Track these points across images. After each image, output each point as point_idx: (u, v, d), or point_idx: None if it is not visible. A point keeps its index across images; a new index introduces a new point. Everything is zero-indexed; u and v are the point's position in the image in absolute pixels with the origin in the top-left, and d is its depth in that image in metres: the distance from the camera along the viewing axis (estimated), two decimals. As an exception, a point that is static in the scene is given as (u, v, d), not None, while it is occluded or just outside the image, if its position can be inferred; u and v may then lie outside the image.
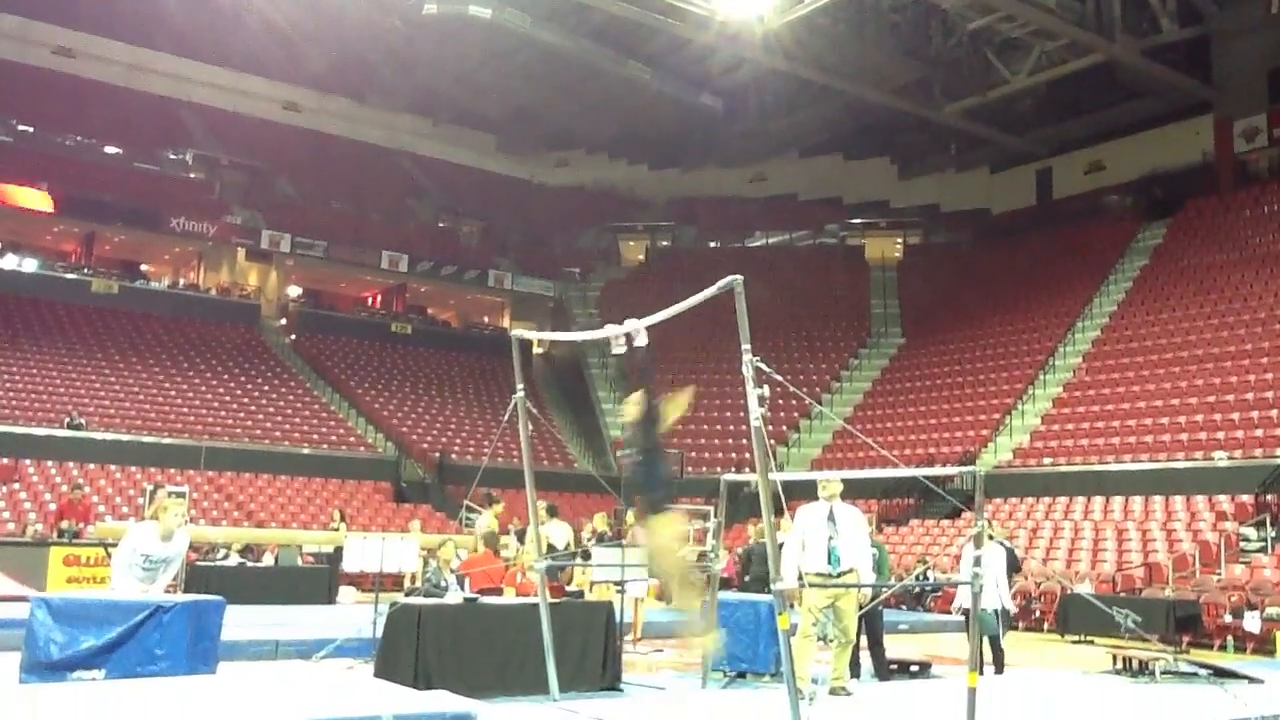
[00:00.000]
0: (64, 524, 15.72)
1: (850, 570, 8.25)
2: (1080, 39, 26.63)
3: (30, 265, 31.61)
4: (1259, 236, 27.20)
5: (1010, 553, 10.87)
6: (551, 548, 11.90)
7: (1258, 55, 28.90)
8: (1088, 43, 26.75)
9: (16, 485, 21.50)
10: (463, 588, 9.65)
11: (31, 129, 33.57)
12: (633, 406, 6.49)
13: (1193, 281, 26.97)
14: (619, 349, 6.33)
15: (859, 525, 8.55)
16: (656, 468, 6.31)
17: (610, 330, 6.21)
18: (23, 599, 7.76)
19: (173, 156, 36.45)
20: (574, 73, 33.48)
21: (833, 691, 8.22)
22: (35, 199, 31.02)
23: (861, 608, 8.60)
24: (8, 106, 33.08)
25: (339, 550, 15.60)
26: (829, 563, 8.20)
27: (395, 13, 30.55)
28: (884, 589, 9.73)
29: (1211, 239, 28.26)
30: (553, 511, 12.75)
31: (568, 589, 11.50)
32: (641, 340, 6.15)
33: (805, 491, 8.89)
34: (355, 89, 38.52)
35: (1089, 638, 14.31)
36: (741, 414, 27.39)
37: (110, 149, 35.15)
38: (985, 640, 9.87)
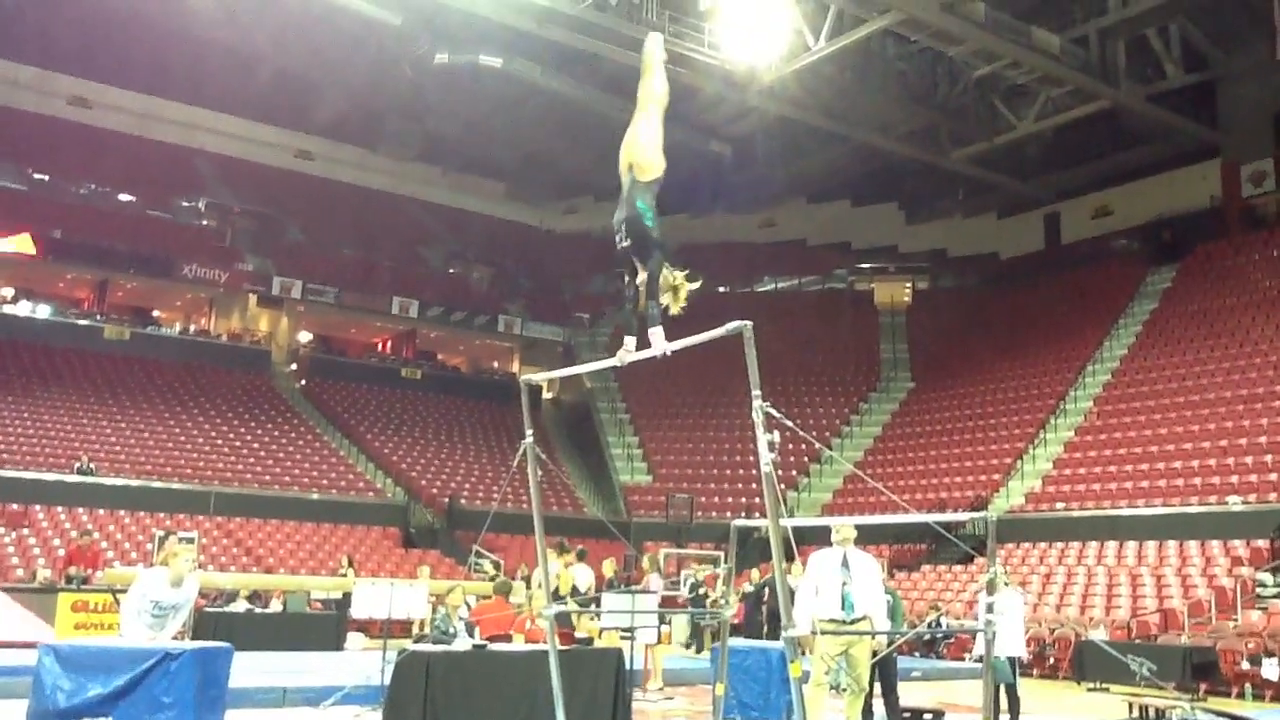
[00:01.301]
0: (72, 570, 15.71)
1: (864, 617, 8.17)
2: (1086, 85, 26.78)
3: (43, 311, 31.82)
4: (1268, 280, 27.17)
5: None
6: (576, 590, 11.87)
7: (1263, 100, 29.04)
8: (1093, 89, 26.91)
9: (26, 530, 21.48)
10: (472, 635, 9.60)
11: (46, 177, 33.93)
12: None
13: (1203, 325, 26.92)
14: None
15: (873, 571, 8.48)
16: None
17: (619, 359, 6.23)
18: (31, 645, 7.72)
19: (185, 204, 36.80)
20: (583, 121, 33.73)
21: (845, 740, 8.12)
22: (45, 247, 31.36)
23: (875, 655, 8.51)
24: (23, 155, 33.48)
25: (347, 596, 15.55)
26: (843, 609, 8.12)
27: (406, 62, 30.90)
28: (897, 636, 9.64)
29: (1220, 282, 28.24)
30: (581, 555, 12.72)
31: (577, 636, 11.42)
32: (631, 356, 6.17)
33: (816, 537, 8.84)
34: (366, 137, 38.89)
35: (1105, 685, 14.15)
36: (751, 459, 27.37)
37: (123, 197, 35.49)
38: (1001, 688, 9.76)
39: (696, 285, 6.04)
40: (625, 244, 5.96)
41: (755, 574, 15.91)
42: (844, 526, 8.40)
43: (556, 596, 12.30)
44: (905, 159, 32.50)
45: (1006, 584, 10.65)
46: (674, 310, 6.09)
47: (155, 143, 35.70)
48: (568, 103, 31.77)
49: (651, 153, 6.08)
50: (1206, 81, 29.59)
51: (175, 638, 7.61)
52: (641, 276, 5.96)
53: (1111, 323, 29.43)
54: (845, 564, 8.18)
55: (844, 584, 8.15)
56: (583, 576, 12.30)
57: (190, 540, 19.44)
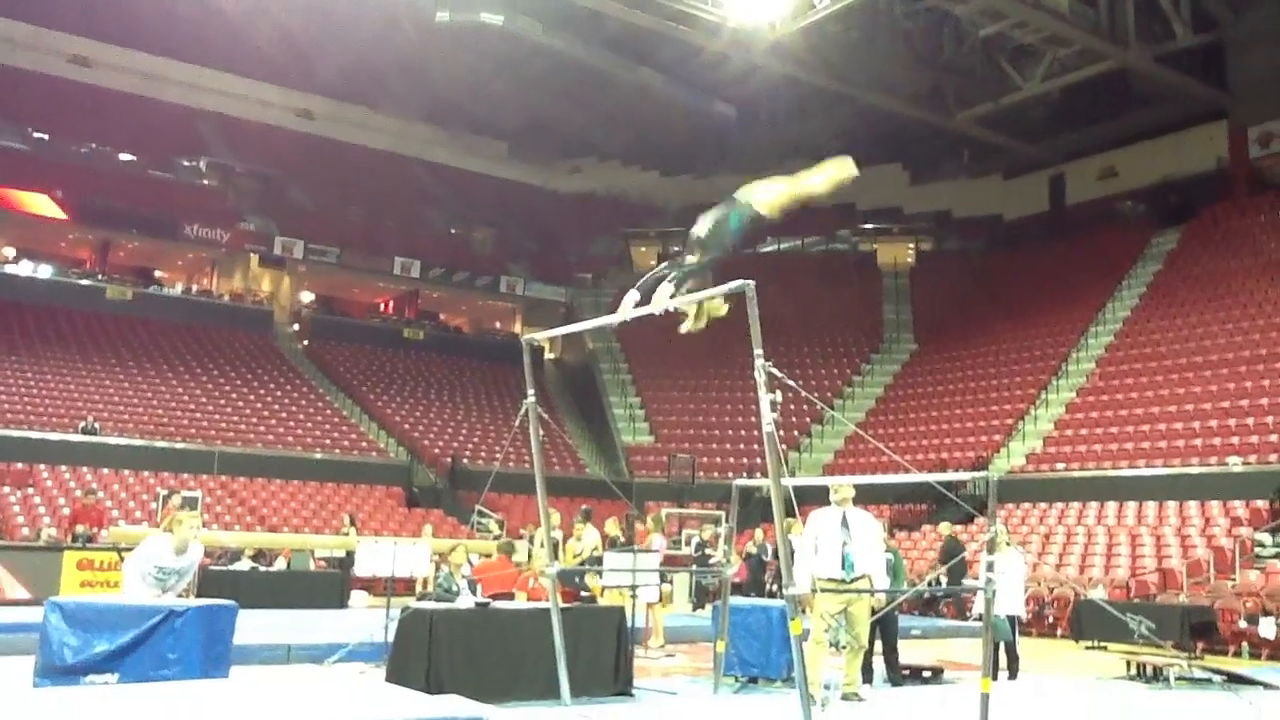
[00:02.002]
0: (78, 528, 15.80)
1: (863, 576, 8.24)
2: (1093, 46, 26.55)
3: (45, 272, 31.81)
4: (1273, 242, 27.07)
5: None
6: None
7: (1273, 61, 28.74)
8: (1101, 49, 26.67)
9: (31, 490, 21.59)
10: (475, 593, 9.67)
11: (47, 137, 33.79)
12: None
13: (1207, 287, 26.85)
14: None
15: (872, 530, 8.53)
16: None
17: (619, 315, 6.21)
18: (37, 603, 7.80)
19: (187, 164, 36.64)
20: (587, 81, 33.54)
21: (845, 697, 8.21)
22: (48, 207, 31.34)
23: (875, 613, 8.59)
24: (24, 115, 33.28)
25: (351, 555, 15.64)
26: (842, 568, 8.18)
27: (408, 21, 30.65)
28: (898, 594, 9.71)
29: (1225, 245, 28.14)
30: (587, 516, 12.79)
31: (582, 594, 11.51)
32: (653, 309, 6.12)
33: (817, 497, 8.88)
34: (369, 97, 38.65)
35: (1103, 644, 14.25)
36: (753, 419, 27.42)
37: (125, 157, 35.34)
38: (1000, 646, 9.87)
39: (724, 314, 6.01)
40: (699, 233, 5.97)
41: (759, 534, 15.98)
42: (842, 486, 8.45)
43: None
44: (911, 120, 32.32)
45: (1008, 544, 10.71)
46: (689, 327, 6.09)
47: (156, 102, 35.48)
48: (571, 62, 31.56)
49: (775, 199, 6.24)
50: (1215, 43, 29.35)
51: (180, 596, 7.67)
52: (691, 260, 5.97)
53: (1115, 285, 29.36)
54: (845, 524, 8.23)
55: (844, 544, 8.20)
56: (589, 537, 12.38)
57: (194, 500, 19.57)
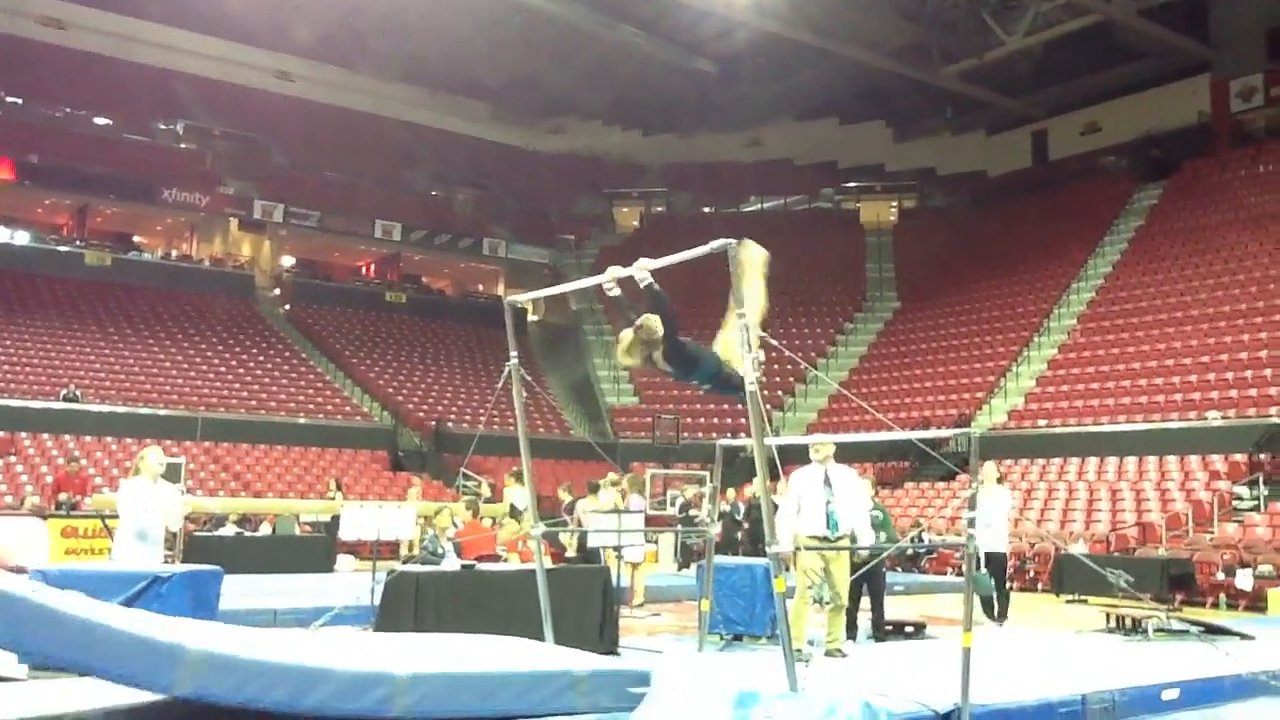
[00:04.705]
0: (62, 496, 15.76)
1: (847, 534, 8.29)
2: (1076, -1, 26.47)
3: (23, 238, 31.50)
4: (1254, 196, 27.14)
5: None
6: (515, 510, 11.97)
7: (1255, 14, 28.74)
8: (1084, 3, 26.57)
9: (13, 458, 21.51)
10: (459, 555, 9.70)
11: (20, 101, 33.30)
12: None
13: (1188, 242, 26.94)
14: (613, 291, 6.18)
15: (855, 487, 8.58)
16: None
17: (608, 274, 6.14)
18: (21, 571, 7.79)
19: (164, 127, 36.24)
20: (567, 39, 33.22)
21: (828, 653, 8.28)
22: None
23: (859, 568, 8.66)
24: (-4, 78, 32.83)
25: (336, 519, 15.64)
26: (827, 526, 8.23)
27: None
28: (882, 550, 9.78)
29: (1207, 199, 28.21)
30: (518, 477, 12.73)
31: (567, 556, 11.56)
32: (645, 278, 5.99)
33: (801, 456, 8.91)
34: (347, 58, 38.15)
35: (1083, 597, 14.40)
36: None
37: (101, 120, 34.90)
38: (992, 591, 10.04)
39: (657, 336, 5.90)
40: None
41: (731, 493, 16.13)
42: (822, 445, 8.48)
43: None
44: (894, 76, 32.17)
45: (998, 481, 10.81)
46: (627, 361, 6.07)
47: (132, 64, 34.92)
48: (551, 20, 31.23)
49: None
50: (1198, -5, 29.28)
51: (165, 562, 7.73)
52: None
53: (1097, 240, 29.44)
54: (827, 481, 8.27)
55: (828, 502, 8.24)
56: (520, 498, 12.32)
57: (177, 466, 19.53)
